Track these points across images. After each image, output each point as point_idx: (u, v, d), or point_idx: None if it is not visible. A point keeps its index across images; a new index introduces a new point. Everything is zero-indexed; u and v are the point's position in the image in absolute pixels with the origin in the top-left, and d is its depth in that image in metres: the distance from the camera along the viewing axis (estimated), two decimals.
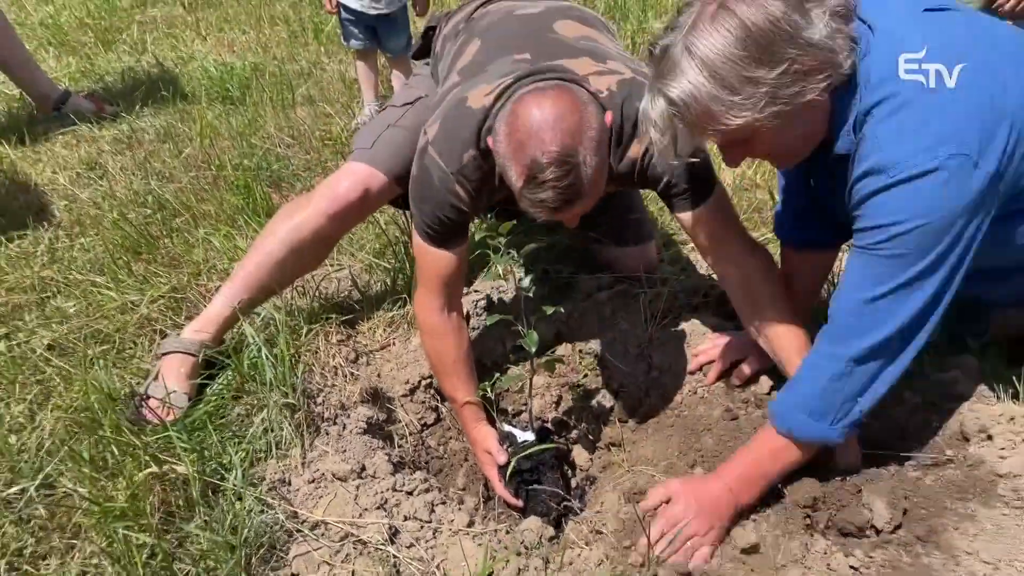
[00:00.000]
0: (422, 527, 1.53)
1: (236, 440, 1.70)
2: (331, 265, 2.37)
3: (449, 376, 1.80)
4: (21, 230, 2.58)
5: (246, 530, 1.45)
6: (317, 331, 2.01)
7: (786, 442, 1.43)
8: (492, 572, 1.40)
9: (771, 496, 1.47)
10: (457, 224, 1.67)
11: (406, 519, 1.54)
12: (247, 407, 1.79)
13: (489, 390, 1.80)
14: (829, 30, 1.20)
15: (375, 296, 2.25)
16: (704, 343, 1.92)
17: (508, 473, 1.69)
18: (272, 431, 1.68)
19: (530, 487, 1.71)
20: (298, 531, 1.49)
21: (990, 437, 1.50)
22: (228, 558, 1.40)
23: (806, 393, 1.40)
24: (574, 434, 1.98)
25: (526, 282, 1.65)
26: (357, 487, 1.57)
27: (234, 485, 1.54)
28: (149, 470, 1.52)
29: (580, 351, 2.04)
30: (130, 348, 2.02)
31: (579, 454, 1.92)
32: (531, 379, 1.78)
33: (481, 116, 1.55)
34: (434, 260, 1.71)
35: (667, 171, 1.58)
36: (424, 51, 2.13)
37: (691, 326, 1.98)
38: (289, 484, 1.60)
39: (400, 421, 1.92)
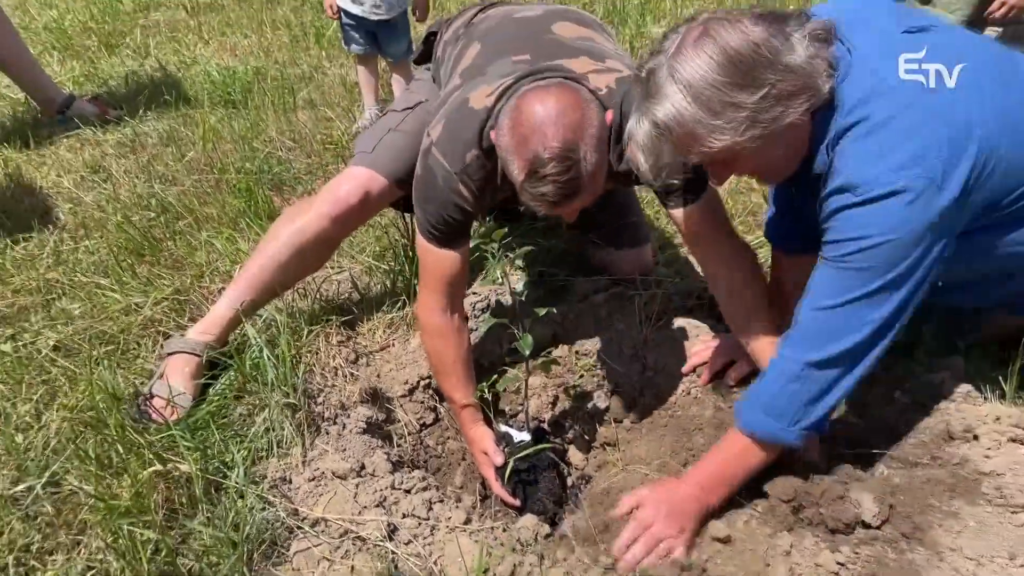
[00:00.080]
0: (420, 524, 1.55)
1: (238, 439, 1.72)
2: (332, 267, 2.39)
3: (448, 376, 1.82)
4: (26, 233, 2.58)
5: (248, 527, 1.47)
6: (318, 332, 2.03)
7: (749, 442, 1.45)
8: (488, 568, 1.42)
9: (756, 493, 1.49)
10: (461, 224, 1.69)
11: (404, 516, 1.56)
12: (249, 407, 1.80)
13: (487, 391, 1.82)
14: (808, 54, 1.22)
15: (375, 298, 2.27)
16: (698, 345, 1.95)
17: (506, 473, 1.72)
18: (273, 430, 1.70)
19: (526, 486, 1.74)
20: (299, 528, 1.51)
21: (976, 437, 1.53)
22: (230, 554, 1.42)
23: (767, 393, 1.43)
24: (570, 434, 2.00)
25: (519, 286, 1.66)
26: (357, 485, 1.59)
27: (236, 483, 1.56)
28: (153, 468, 1.53)
29: (576, 352, 2.06)
30: (134, 349, 2.03)
31: (574, 454, 1.95)
32: (527, 381, 1.80)
33: (483, 116, 1.58)
34: (437, 260, 1.74)
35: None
36: (426, 56, 2.16)
37: (685, 328, 2.01)
38: (290, 482, 1.63)
39: (399, 421, 1.95)
